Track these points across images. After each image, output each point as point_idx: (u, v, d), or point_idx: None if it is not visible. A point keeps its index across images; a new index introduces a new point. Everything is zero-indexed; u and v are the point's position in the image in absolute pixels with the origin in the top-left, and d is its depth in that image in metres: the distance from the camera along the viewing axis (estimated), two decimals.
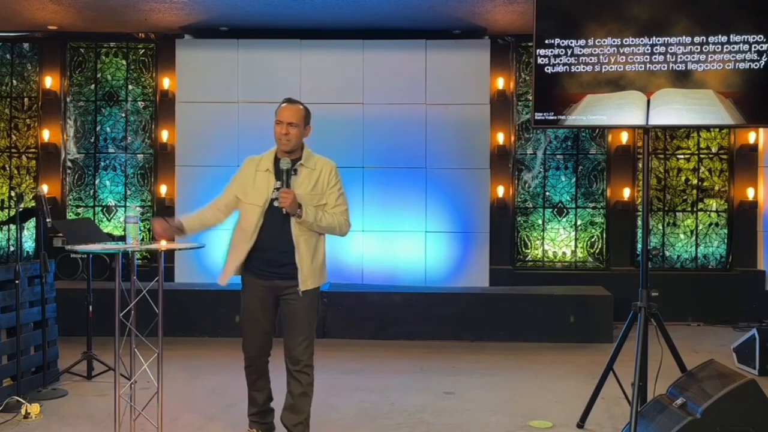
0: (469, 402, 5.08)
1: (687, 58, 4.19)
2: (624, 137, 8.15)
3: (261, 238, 3.83)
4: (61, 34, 8.31)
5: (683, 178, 8.38)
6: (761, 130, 8.07)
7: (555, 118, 4.34)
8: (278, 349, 3.95)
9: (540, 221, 8.45)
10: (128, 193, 8.53)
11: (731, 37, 4.15)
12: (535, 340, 6.98)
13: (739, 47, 4.14)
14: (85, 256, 6.64)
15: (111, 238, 6.96)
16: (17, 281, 4.89)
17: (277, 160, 3.86)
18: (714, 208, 8.37)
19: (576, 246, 8.44)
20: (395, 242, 7.97)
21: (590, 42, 4.26)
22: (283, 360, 3.93)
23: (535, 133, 8.36)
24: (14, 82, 8.57)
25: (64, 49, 8.44)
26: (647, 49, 4.22)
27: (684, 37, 4.19)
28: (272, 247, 3.82)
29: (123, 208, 8.49)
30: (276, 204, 3.74)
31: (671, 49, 4.20)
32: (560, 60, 4.30)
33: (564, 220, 8.43)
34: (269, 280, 3.85)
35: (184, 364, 6.04)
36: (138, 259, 4.91)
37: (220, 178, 8.09)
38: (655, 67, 4.22)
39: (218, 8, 7.33)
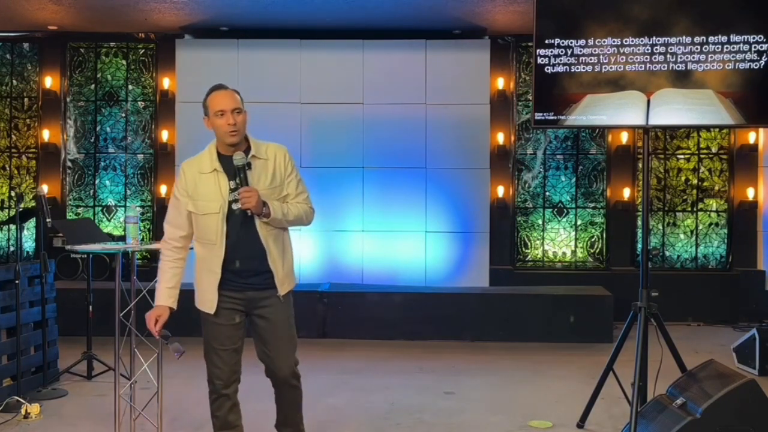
0: (469, 402, 5.08)
1: (687, 58, 4.19)
2: (624, 137, 8.15)
3: (227, 248, 3.36)
4: (61, 34, 8.31)
5: (683, 178, 8.38)
6: (761, 130, 8.07)
7: (555, 118, 4.34)
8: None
9: (540, 221, 8.45)
10: (128, 193, 8.53)
11: (731, 37, 4.14)
12: (535, 340, 6.97)
13: (739, 47, 4.14)
14: (85, 256, 6.64)
15: (111, 238, 6.96)
16: (17, 281, 4.89)
17: (222, 157, 3.41)
18: (714, 208, 8.37)
19: (576, 246, 8.43)
20: (395, 242, 7.97)
21: (590, 42, 4.26)
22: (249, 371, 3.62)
23: (535, 133, 8.36)
24: (14, 82, 8.57)
25: (64, 49, 8.44)
26: (647, 49, 4.22)
27: (684, 37, 4.19)
28: (241, 256, 3.37)
29: (123, 208, 8.49)
30: (236, 207, 3.31)
31: (671, 49, 4.20)
32: (560, 60, 4.29)
33: (564, 220, 8.43)
34: (242, 291, 3.40)
35: (184, 364, 6.00)
36: (138, 259, 4.91)
37: None
38: (655, 67, 4.22)
39: (218, 8, 7.33)
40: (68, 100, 8.50)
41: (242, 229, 3.36)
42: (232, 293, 3.40)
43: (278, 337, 3.44)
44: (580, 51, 4.27)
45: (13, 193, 8.54)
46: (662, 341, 4.17)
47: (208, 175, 3.39)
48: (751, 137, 8.12)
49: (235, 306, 3.42)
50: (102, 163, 8.54)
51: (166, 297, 3.41)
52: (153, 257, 8.05)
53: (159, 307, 3.41)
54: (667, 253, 8.41)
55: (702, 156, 8.37)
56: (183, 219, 3.42)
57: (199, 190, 3.38)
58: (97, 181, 8.54)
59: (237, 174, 3.32)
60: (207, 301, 3.41)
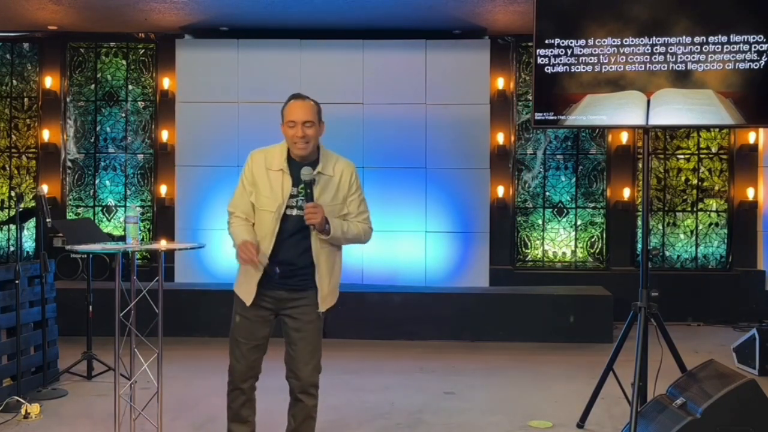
0: (469, 402, 5.08)
1: (687, 58, 4.19)
2: (624, 137, 8.15)
3: (275, 250, 3.38)
4: (61, 34, 8.31)
5: (683, 178, 8.38)
6: (761, 130, 8.07)
7: (555, 118, 4.34)
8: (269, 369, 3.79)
9: (540, 221, 8.45)
10: (128, 193, 8.53)
11: (731, 37, 4.15)
12: (535, 340, 6.98)
13: (739, 47, 4.14)
14: (85, 256, 6.64)
15: (111, 238, 6.97)
16: (17, 281, 4.89)
17: (292, 160, 3.41)
18: (714, 208, 8.37)
19: (576, 246, 8.43)
20: (395, 242, 7.97)
21: (590, 42, 4.26)
22: (266, 380, 3.66)
23: (535, 133, 8.36)
24: (14, 82, 8.57)
25: (64, 49, 8.44)
26: (647, 49, 4.22)
27: (684, 37, 4.19)
28: (289, 260, 3.39)
29: (123, 208, 8.49)
30: (291, 213, 3.35)
31: (671, 49, 4.20)
32: (560, 60, 4.29)
33: (564, 220, 8.43)
34: (272, 290, 3.43)
35: (184, 364, 6.03)
36: (138, 259, 4.91)
37: (220, 178, 8.22)
38: (655, 67, 4.22)
39: (218, 8, 7.33)
40: (68, 100, 8.50)
41: (294, 237, 3.39)
42: (265, 290, 3.43)
43: (303, 337, 3.50)
44: (580, 51, 4.27)
45: (13, 193, 8.54)
46: (662, 341, 4.17)
47: (275, 173, 3.40)
48: (751, 137, 8.12)
49: (265, 304, 3.46)
50: (102, 163, 8.54)
51: (250, 236, 3.37)
52: (153, 257, 8.05)
53: (247, 240, 3.33)
54: (667, 253, 8.41)
55: (702, 156, 8.37)
56: (249, 207, 3.44)
57: (263, 184, 3.40)
58: (97, 181, 8.54)
59: (304, 187, 3.31)
60: (246, 292, 3.45)
